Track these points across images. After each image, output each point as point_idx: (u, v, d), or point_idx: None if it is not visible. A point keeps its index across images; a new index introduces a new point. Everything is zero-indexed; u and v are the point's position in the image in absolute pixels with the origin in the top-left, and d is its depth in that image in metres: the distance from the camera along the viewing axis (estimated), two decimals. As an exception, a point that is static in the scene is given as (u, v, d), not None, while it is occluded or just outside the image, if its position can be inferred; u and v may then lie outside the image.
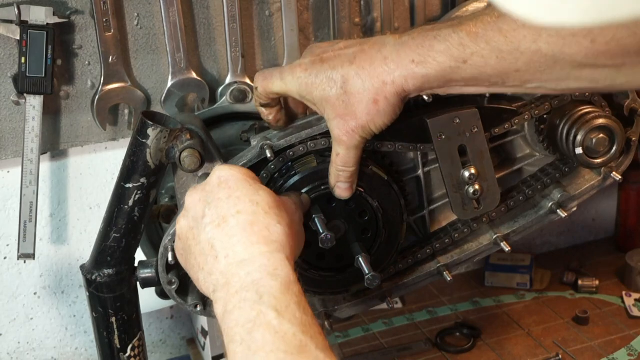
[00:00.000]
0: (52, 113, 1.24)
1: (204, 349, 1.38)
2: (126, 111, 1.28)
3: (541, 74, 0.92)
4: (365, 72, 0.98)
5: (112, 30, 1.20)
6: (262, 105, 1.10)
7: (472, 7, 1.26)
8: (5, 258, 1.32)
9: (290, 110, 1.14)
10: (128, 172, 1.07)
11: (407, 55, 0.96)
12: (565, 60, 0.88)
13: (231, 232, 0.90)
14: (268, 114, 1.11)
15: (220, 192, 0.93)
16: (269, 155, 1.07)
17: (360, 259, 1.07)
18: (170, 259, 1.09)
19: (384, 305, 1.22)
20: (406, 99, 1.01)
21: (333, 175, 1.06)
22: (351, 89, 0.99)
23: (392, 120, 1.02)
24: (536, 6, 0.48)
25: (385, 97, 0.99)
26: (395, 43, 0.98)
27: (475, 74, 0.95)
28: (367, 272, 1.06)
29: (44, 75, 1.17)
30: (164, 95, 1.26)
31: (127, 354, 1.16)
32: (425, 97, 1.09)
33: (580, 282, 1.53)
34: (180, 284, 1.13)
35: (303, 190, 1.08)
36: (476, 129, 1.12)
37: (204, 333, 1.35)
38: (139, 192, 1.08)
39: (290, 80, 1.03)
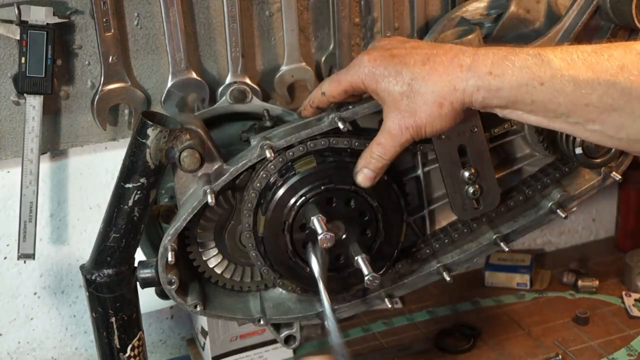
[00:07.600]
0: (52, 113, 1.24)
1: (203, 349, 1.38)
2: (126, 111, 1.28)
3: (607, 115, 0.92)
4: (437, 75, 0.98)
5: (112, 30, 1.20)
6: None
7: (472, 6, 1.26)
8: (5, 258, 1.32)
9: None
10: (128, 172, 1.08)
11: (485, 66, 0.96)
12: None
13: None
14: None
15: None
16: (268, 155, 1.07)
17: (359, 259, 1.07)
18: (170, 258, 1.09)
19: (384, 305, 1.22)
20: (466, 111, 1.00)
21: (364, 159, 1.06)
22: (418, 89, 0.99)
23: (447, 129, 1.02)
24: None
25: (452, 102, 0.98)
26: (474, 53, 0.98)
27: (546, 99, 0.94)
28: (366, 272, 1.06)
29: (44, 75, 1.17)
30: (164, 95, 1.26)
31: (127, 354, 1.16)
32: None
33: (580, 282, 1.53)
34: (180, 284, 1.13)
35: (302, 190, 1.08)
36: (476, 129, 1.12)
37: (204, 333, 1.35)
38: (138, 192, 1.08)
39: (357, 70, 1.03)
